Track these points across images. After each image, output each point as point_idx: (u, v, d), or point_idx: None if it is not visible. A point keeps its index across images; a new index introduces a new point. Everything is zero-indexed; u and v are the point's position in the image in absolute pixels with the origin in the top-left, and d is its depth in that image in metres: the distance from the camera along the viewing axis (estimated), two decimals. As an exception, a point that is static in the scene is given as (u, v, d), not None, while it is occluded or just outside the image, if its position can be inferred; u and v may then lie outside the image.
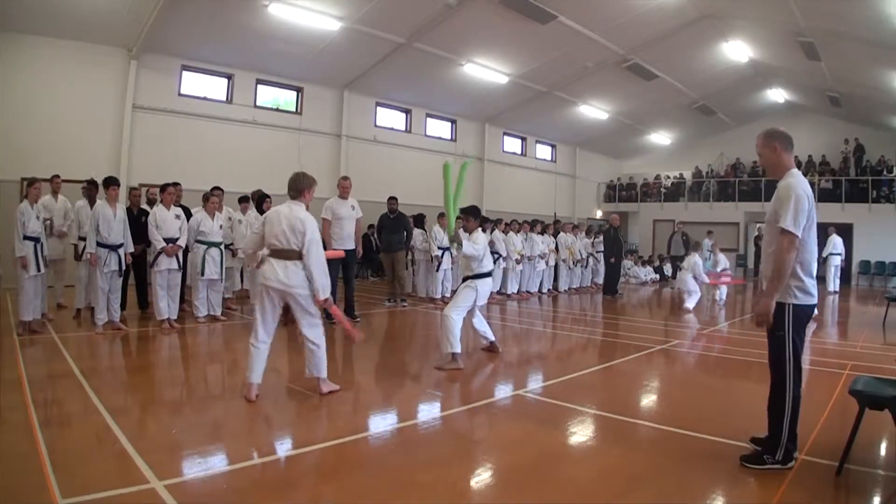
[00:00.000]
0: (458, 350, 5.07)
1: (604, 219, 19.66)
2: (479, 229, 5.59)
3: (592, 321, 8.90)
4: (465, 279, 5.43)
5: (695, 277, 9.66)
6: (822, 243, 13.52)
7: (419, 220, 10.22)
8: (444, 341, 5.05)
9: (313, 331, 3.96)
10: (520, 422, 3.82)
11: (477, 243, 5.30)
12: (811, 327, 7.19)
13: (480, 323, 5.65)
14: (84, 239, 6.86)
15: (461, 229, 5.59)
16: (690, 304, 9.48)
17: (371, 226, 13.12)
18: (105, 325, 6.05)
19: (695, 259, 9.81)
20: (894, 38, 9.24)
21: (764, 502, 2.62)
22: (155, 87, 10.81)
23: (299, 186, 3.97)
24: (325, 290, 3.85)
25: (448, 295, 9.80)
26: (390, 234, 9.25)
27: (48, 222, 6.74)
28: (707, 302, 10.57)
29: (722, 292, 10.82)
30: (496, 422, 3.89)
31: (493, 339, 5.72)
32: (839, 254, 13.76)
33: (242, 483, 2.71)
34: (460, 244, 5.18)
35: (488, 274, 5.44)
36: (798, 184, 2.90)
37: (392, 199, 9.36)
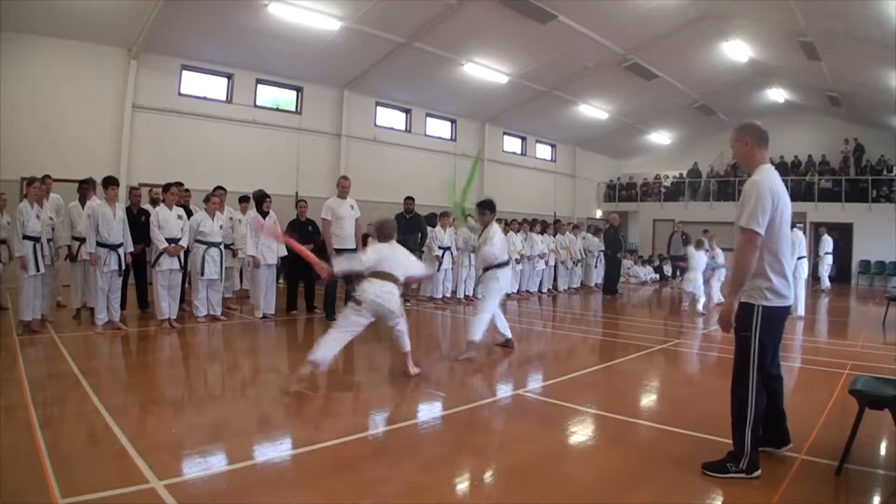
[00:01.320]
0: (477, 339, 5.50)
1: (604, 218, 19.66)
2: (494, 222, 5.87)
3: (592, 321, 8.90)
4: (485, 270, 5.82)
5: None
6: (818, 243, 13.60)
7: (430, 221, 10.18)
8: (470, 329, 5.58)
9: (400, 323, 4.68)
10: (520, 421, 3.83)
11: (494, 239, 5.70)
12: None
13: (500, 319, 5.95)
14: (78, 239, 6.85)
15: (476, 222, 6.01)
16: (701, 306, 9.36)
17: (371, 225, 13.09)
18: (105, 324, 6.05)
19: (700, 254, 9.55)
20: (894, 38, 9.23)
21: (764, 502, 2.62)
22: (155, 87, 10.80)
23: (391, 232, 4.79)
24: (423, 272, 5.20)
25: (448, 295, 9.84)
26: (406, 235, 9.17)
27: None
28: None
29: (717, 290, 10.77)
30: (496, 421, 3.90)
31: (510, 335, 6.01)
32: (831, 253, 13.76)
33: (242, 483, 2.70)
34: (480, 242, 5.70)
35: (506, 263, 5.90)
36: (764, 181, 2.74)
37: (409, 199, 9.31)
